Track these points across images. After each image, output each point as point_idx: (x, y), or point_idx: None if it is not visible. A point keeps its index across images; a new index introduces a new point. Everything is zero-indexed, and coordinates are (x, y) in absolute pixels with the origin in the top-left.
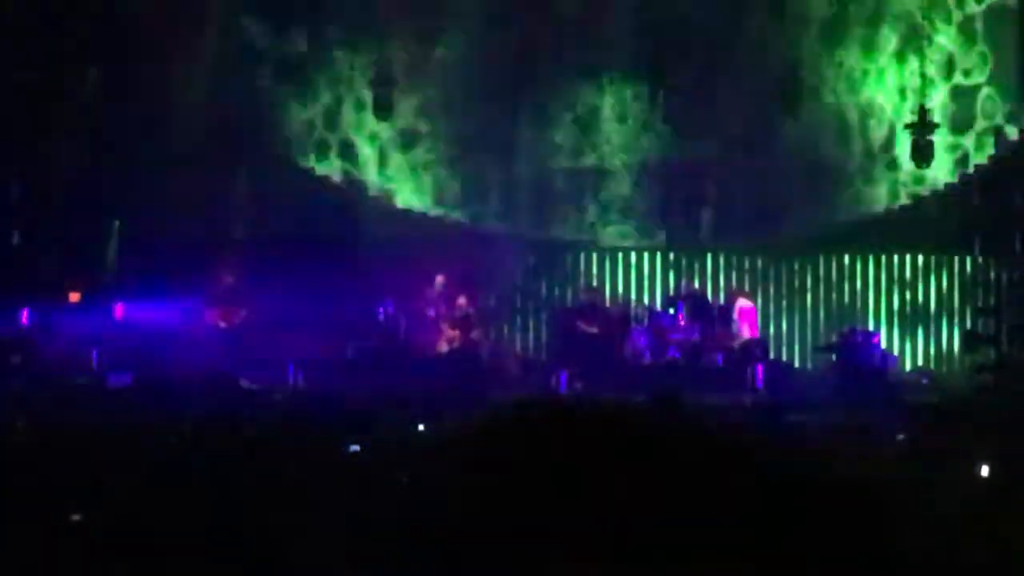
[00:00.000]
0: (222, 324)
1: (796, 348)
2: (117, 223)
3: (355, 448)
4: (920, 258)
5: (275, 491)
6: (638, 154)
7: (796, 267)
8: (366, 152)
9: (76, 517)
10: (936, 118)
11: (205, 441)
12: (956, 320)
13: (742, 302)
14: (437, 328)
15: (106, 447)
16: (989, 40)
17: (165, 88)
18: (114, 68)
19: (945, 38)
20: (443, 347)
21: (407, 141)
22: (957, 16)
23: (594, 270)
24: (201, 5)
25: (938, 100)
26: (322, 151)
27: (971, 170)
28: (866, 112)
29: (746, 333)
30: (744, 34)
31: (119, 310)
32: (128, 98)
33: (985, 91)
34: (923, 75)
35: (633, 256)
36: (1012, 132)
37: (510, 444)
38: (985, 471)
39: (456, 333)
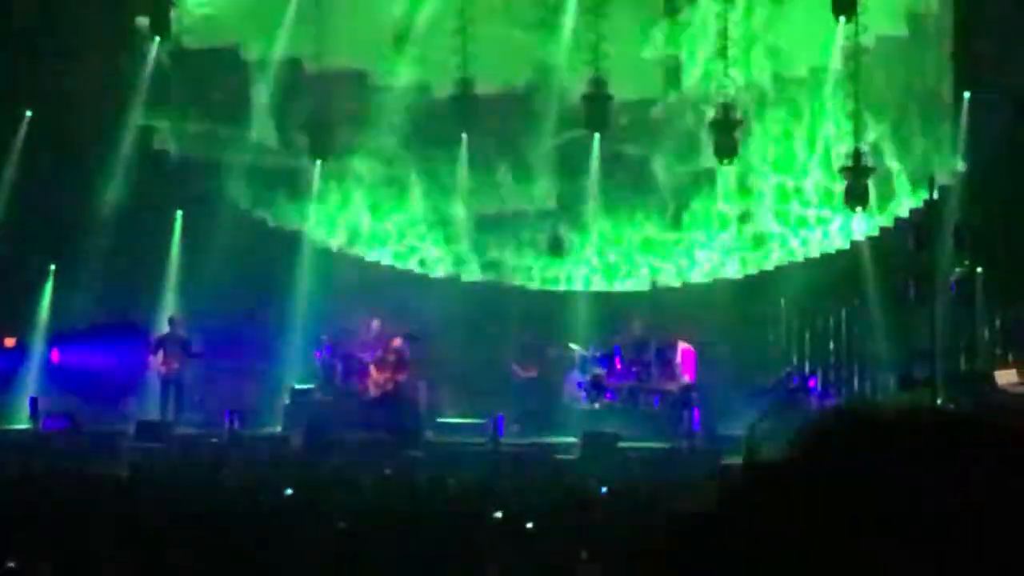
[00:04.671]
0: (162, 369)
1: (733, 391)
2: (53, 267)
3: (289, 492)
4: (856, 301)
5: (212, 533)
6: (575, 199)
7: (734, 311)
8: (303, 195)
9: (11, 564)
10: (870, 162)
11: (142, 486)
12: (892, 364)
13: (683, 345)
14: (372, 371)
15: (40, 491)
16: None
17: (100, 130)
18: (47, 110)
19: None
20: (377, 390)
21: (343, 184)
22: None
23: (532, 313)
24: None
25: (873, 143)
26: (258, 193)
27: (906, 215)
28: (802, 154)
29: (686, 377)
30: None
31: (55, 355)
32: (62, 140)
33: (919, 138)
34: (859, 118)
35: (571, 299)
36: (944, 177)
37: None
38: None
39: (391, 375)
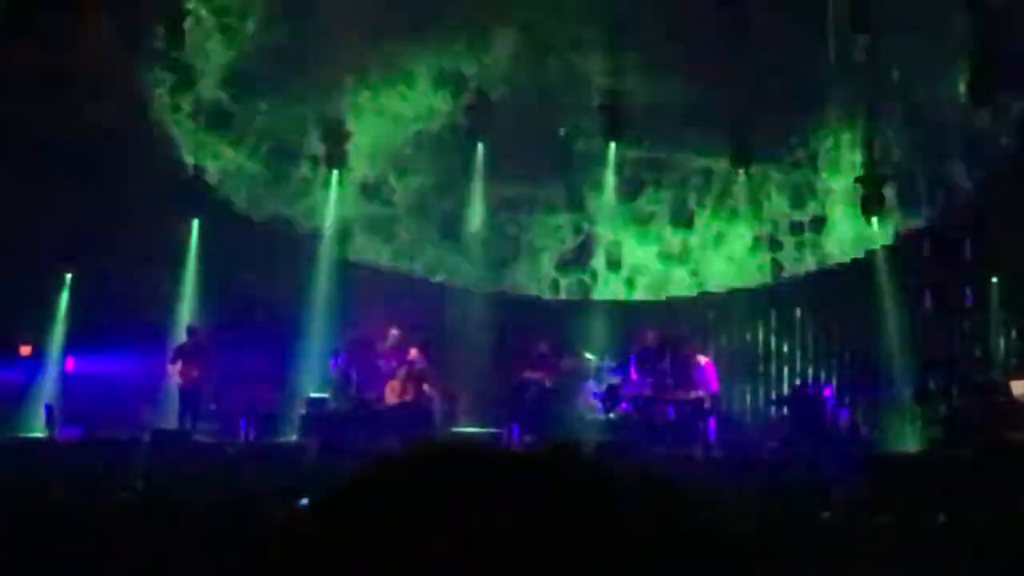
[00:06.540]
0: (178, 379)
1: (749, 401)
2: (70, 275)
3: (305, 502)
4: (872, 311)
5: (224, 545)
6: (591, 208)
7: (749, 321)
8: (319, 204)
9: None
10: (887, 171)
11: (157, 497)
12: (908, 374)
13: (703, 358)
14: (389, 381)
15: (55, 502)
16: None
17: (111, 135)
18: (61, 120)
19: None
20: (394, 400)
21: (360, 192)
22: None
23: (547, 322)
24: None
25: (890, 152)
26: (275, 203)
27: (921, 223)
28: (818, 164)
29: (710, 387)
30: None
31: (70, 363)
32: (77, 150)
33: (936, 147)
34: (872, 126)
35: (586, 308)
36: (961, 186)
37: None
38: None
39: (408, 385)
